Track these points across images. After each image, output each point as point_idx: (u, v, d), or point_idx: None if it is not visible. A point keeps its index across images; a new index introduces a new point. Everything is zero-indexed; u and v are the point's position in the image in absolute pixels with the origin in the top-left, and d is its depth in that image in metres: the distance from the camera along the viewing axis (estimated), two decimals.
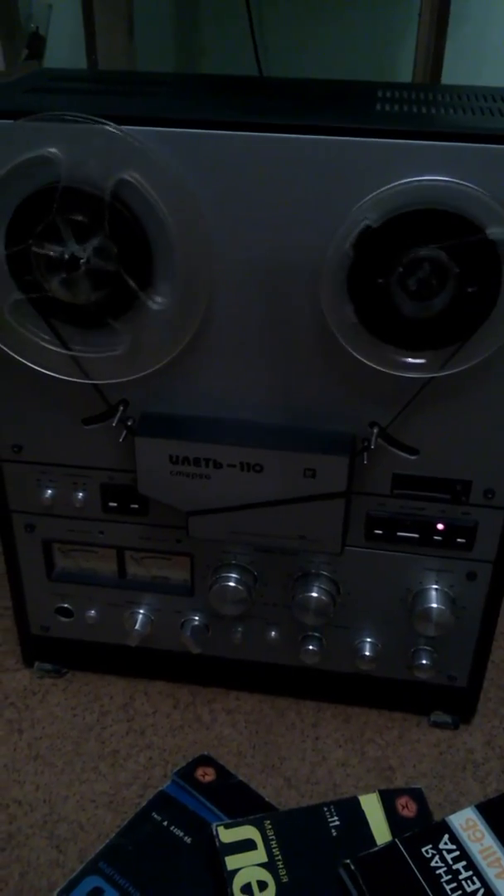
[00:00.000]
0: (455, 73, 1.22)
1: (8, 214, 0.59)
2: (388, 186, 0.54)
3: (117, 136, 0.55)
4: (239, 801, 0.72)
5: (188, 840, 0.69)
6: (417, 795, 0.72)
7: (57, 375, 0.65)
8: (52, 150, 0.56)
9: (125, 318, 0.61)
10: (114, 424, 0.67)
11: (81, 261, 0.57)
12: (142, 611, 0.79)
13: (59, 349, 0.63)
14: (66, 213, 0.57)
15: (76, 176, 0.56)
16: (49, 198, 0.57)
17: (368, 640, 0.76)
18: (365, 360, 0.60)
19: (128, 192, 0.57)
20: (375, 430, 0.65)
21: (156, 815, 0.71)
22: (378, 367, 0.60)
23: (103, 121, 0.55)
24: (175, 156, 0.56)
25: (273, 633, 0.78)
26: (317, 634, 0.77)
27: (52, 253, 0.58)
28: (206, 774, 0.74)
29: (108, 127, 0.55)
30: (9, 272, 0.61)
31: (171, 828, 0.70)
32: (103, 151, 0.56)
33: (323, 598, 0.72)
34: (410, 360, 0.60)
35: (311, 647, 0.77)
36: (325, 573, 0.73)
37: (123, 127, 0.55)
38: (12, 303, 0.62)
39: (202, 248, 0.59)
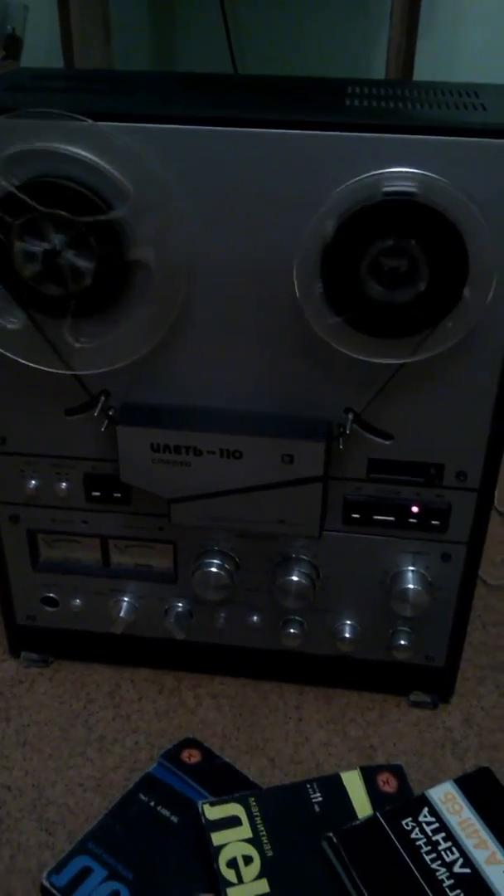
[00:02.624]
0: (427, 71, 1.25)
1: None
2: (359, 178, 0.56)
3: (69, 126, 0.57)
4: (224, 780, 0.74)
5: (175, 819, 0.70)
6: (398, 771, 0.74)
7: (39, 367, 0.66)
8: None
9: (112, 303, 0.63)
10: (95, 414, 0.69)
11: (59, 252, 0.59)
12: (126, 598, 0.80)
13: (40, 340, 0.65)
14: (39, 209, 0.59)
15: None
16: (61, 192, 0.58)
17: (348, 622, 0.78)
18: (339, 348, 0.62)
19: (97, 180, 0.59)
20: (350, 416, 0.67)
21: (143, 796, 0.72)
22: (352, 354, 0.62)
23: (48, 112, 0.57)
24: (152, 151, 0.58)
25: (255, 618, 0.79)
26: (298, 618, 0.79)
27: (30, 247, 0.60)
28: (192, 756, 0.76)
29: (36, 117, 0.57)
30: (4, 288, 0.63)
31: (158, 808, 0.71)
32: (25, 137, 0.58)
33: (303, 581, 0.74)
34: (383, 346, 0.62)
35: (292, 631, 0.78)
36: (304, 557, 0.75)
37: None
38: (19, 316, 0.64)
39: (169, 204, 0.60)
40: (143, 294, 0.62)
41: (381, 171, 0.56)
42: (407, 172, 0.56)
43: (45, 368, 0.66)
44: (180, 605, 0.80)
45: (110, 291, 0.62)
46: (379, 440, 0.68)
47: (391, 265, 0.58)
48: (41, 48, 1.40)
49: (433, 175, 0.55)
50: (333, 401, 0.66)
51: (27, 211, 0.59)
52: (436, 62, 1.31)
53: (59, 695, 0.84)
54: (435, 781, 0.73)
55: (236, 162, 0.58)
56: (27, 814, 0.73)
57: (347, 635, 0.78)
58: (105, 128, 0.57)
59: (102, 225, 0.59)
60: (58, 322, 0.64)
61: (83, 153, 0.57)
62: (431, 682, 0.82)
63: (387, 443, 0.68)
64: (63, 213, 0.58)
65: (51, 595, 0.82)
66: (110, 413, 0.69)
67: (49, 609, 0.83)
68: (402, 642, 0.77)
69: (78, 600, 0.81)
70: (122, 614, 0.80)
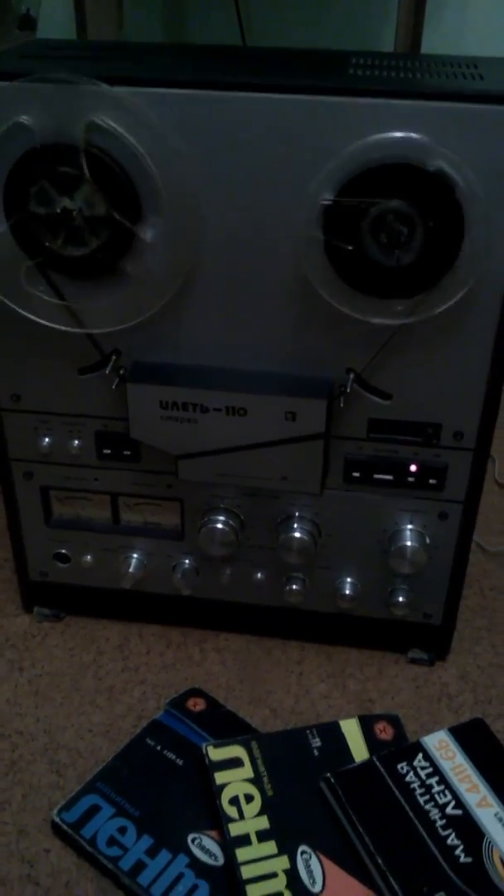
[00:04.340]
0: (435, 48, 1.27)
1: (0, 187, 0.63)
2: (356, 143, 0.59)
3: (80, 88, 0.60)
4: (227, 727, 0.77)
5: (180, 762, 0.74)
6: (394, 720, 0.77)
7: (54, 326, 0.69)
8: (24, 117, 0.61)
9: (126, 259, 0.65)
10: (107, 372, 0.71)
11: (73, 212, 0.62)
12: (135, 555, 0.83)
13: (56, 300, 0.68)
14: (49, 170, 0.61)
15: (48, 133, 0.61)
16: (31, 161, 0.61)
17: (349, 580, 0.81)
18: (341, 308, 0.65)
19: (100, 137, 0.61)
20: (351, 376, 0.69)
21: (149, 741, 0.75)
22: (353, 315, 0.65)
23: (60, 77, 0.60)
24: (161, 115, 0.61)
25: (259, 575, 0.82)
26: (300, 575, 0.82)
27: (44, 211, 0.63)
28: (197, 704, 0.79)
29: (67, 82, 0.59)
30: (15, 243, 0.65)
31: (164, 751, 0.75)
32: (69, 104, 0.60)
33: (305, 538, 0.77)
34: (383, 307, 0.65)
35: (294, 587, 0.81)
36: (306, 515, 0.78)
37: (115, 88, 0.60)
38: (25, 270, 0.66)
39: (182, 180, 0.62)
40: (154, 254, 0.65)
41: (375, 136, 0.59)
42: (398, 137, 0.58)
43: (60, 327, 0.69)
44: (187, 561, 0.83)
45: (123, 251, 0.64)
46: (378, 400, 0.71)
47: (390, 228, 0.60)
48: (55, 23, 1.42)
49: (423, 137, 0.58)
50: (335, 361, 0.69)
51: (42, 173, 0.62)
52: (443, 39, 1.32)
53: (70, 648, 0.87)
54: (431, 732, 0.76)
55: (240, 125, 0.61)
56: (39, 756, 0.76)
57: (348, 592, 0.81)
58: (117, 92, 0.60)
59: (114, 183, 0.61)
60: (73, 282, 0.67)
61: (108, 122, 0.60)
62: (429, 639, 0.85)
63: (386, 403, 0.71)
64: (75, 171, 0.61)
65: (63, 551, 0.85)
66: (121, 372, 0.72)
67: (61, 565, 0.86)
68: (401, 599, 0.80)
69: (89, 556, 0.84)
70: (131, 570, 0.83)
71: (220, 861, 0.66)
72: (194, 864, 0.66)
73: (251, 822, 0.67)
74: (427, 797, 0.69)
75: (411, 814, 0.68)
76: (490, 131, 0.58)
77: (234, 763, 0.71)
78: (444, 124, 0.58)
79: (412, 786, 0.70)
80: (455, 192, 0.59)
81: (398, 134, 0.58)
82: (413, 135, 0.58)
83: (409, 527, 0.77)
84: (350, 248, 0.61)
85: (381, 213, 0.60)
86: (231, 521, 0.78)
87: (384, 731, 0.76)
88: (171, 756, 0.74)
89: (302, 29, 1.42)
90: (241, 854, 0.65)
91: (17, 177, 0.63)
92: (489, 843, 0.66)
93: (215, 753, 0.71)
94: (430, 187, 0.59)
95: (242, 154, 0.61)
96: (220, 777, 0.70)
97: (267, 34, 1.44)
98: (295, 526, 0.78)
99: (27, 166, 0.62)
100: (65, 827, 0.69)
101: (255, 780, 0.70)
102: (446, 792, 0.70)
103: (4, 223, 0.65)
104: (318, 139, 0.60)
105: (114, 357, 0.71)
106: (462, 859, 0.65)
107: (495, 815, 0.68)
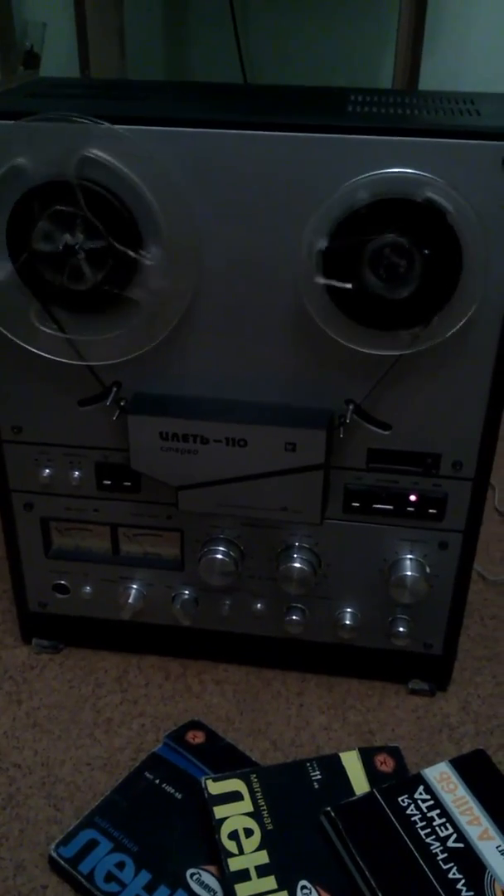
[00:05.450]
0: (433, 83, 1.29)
1: (2, 228, 0.64)
2: (355, 179, 0.59)
3: (70, 126, 0.61)
4: (227, 760, 0.76)
5: (179, 796, 0.73)
6: (395, 753, 0.76)
7: (56, 358, 0.69)
8: (21, 160, 0.62)
9: (129, 291, 0.65)
10: (108, 404, 0.72)
11: (76, 247, 0.63)
12: (135, 586, 0.83)
13: (57, 333, 0.68)
14: (46, 209, 0.62)
15: (41, 172, 0.61)
16: (31, 201, 0.62)
17: (349, 610, 0.81)
18: (340, 340, 0.65)
19: (96, 171, 0.62)
20: (351, 407, 0.70)
21: (148, 774, 0.75)
22: (352, 346, 0.65)
23: (61, 115, 0.61)
24: (162, 152, 0.61)
25: (259, 606, 0.82)
26: (300, 605, 0.82)
27: (47, 249, 0.63)
28: (196, 737, 0.78)
29: (68, 120, 0.60)
30: (20, 280, 0.66)
31: (163, 785, 0.74)
32: (64, 141, 0.61)
33: (305, 568, 0.77)
34: (382, 338, 0.65)
35: (294, 618, 0.81)
36: (306, 545, 0.78)
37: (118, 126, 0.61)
38: (28, 305, 0.67)
39: (182, 214, 0.63)
40: (154, 289, 0.65)
41: (374, 172, 0.59)
42: (398, 173, 0.59)
43: (62, 360, 0.69)
44: (187, 592, 0.83)
45: (124, 286, 0.65)
46: (378, 430, 0.71)
47: (389, 262, 0.61)
48: (58, 61, 1.45)
49: (425, 174, 0.59)
50: (334, 391, 0.70)
51: (41, 211, 0.62)
52: (441, 76, 1.35)
53: (69, 679, 0.87)
54: (431, 764, 0.75)
55: (241, 162, 0.61)
56: (36, 790, 0.76)
57: (348, 622, 0.81)
58: (120, 131, 0.61)
59: (117, 222, 0.62)
60: (74, 315, 0.67)
61: (101, 155, 0.61)
62: (429, 669, 0.84)
63: (385, 433, 0.71)
64: (88, 214, 0.62)
65: (62, 582, 0.85)
66: (122, 403, 0.72)
67: (60, 596, 0.86)
68: (401, 629, 0.80)
69: (88, 587, 0.84)
70: (130, 601, 0.83)
71: None
72: None
73: (251, 856, 0.67)
74: (428, 830, 0.68)
75: (412, 848, 0.67)
76: (488, 167, 0.59)
77: (234, 797, 0.70)
78: (443, 160, 0.59)
79: (413, 818, 0.69)
80: (452, 226, 0.59)
81: (396, 170, 0.59)
82: (411, 171, 0.59)
83: (410, 556, 0.77)
84: (349, 286, 0.62)
85: (379, 248, 0.60)
86: (231, 552, 0.78)
87: (385, 764, 0.75)
88: (170, 790, 0.73)
89: (301, 64, 1.44)
90: (241, 890, 0.64)
91: (18, 216, 0.63)
92: (491, 876, 0.66)
93: (214, 787, 0.71)
94: (426, 221, 0.60)
95: (242, 190, 0.62)
96: (219, 811, 0.69)
97: (267, 70, 1.46)
98: (295, 556, 0.78)
99: (27, 205, 0.63)
100: (62, 862, 0.68)
101: (255, 814, 0.69)
102: (448, 825, 0.69)
103: (9, 264, 0.65)
104: (318, 176, 0.60)
105: (114, 389, 0.72)
106: (464, 893, 0.64)
107: (497, 847, 0.67)
